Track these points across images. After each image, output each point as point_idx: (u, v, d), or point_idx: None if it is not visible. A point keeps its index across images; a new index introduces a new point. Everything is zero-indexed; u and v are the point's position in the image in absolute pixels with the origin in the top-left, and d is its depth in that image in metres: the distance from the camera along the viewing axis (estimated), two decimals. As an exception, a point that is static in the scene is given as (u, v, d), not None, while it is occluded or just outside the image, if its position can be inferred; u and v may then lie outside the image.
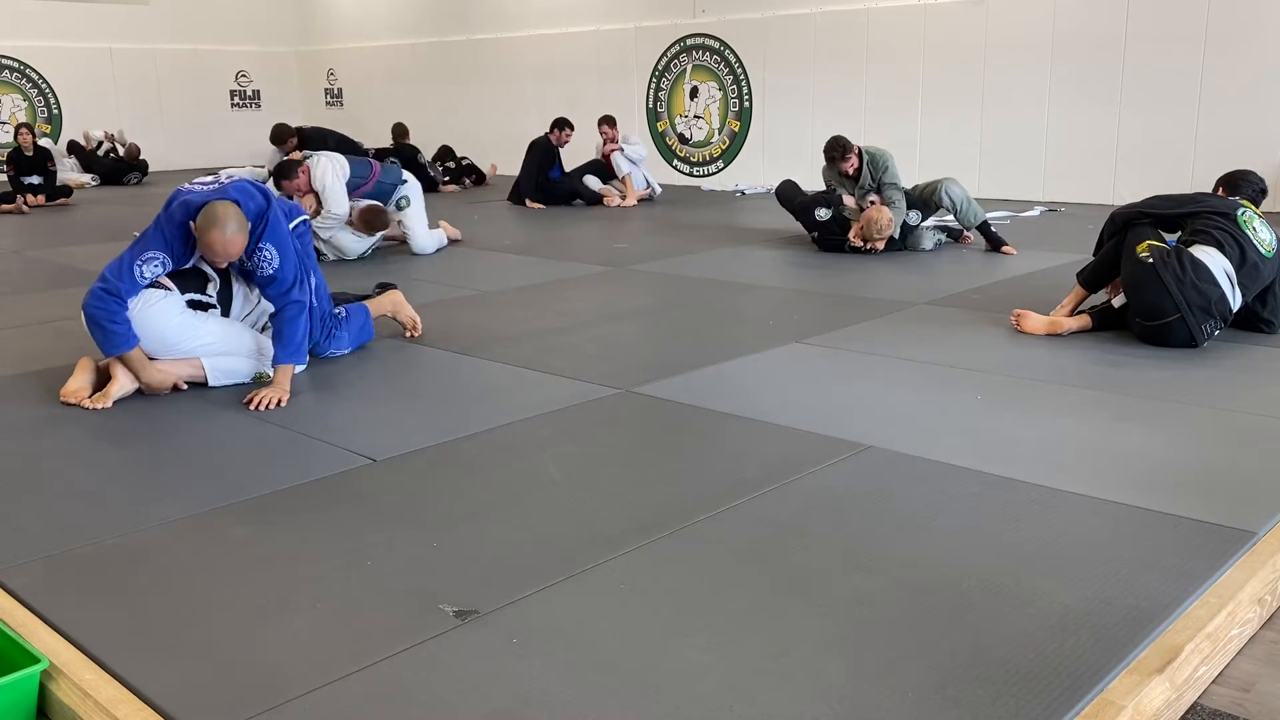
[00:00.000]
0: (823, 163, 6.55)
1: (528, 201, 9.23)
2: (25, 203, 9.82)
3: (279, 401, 3.39)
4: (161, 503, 2.59)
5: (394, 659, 1.84)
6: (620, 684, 1.75)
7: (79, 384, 3.52)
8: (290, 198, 5.72)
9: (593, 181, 9.32)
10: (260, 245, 3.49)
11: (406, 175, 6.67)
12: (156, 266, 3.43)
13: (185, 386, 3.56)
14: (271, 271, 3.51)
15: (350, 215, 6.23)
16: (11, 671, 1.79)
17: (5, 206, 9.73)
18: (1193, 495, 2.50)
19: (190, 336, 3.55)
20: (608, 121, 9.51)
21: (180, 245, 3.46)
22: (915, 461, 2.77)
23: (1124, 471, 2.67)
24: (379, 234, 6.40)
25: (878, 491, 2.58)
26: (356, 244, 6.33)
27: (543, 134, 9.49)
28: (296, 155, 6.48)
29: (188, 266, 3.57)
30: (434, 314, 4.82)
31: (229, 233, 3.34)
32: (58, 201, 10.25)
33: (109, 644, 1.91)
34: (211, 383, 3.61)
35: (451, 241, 6.88)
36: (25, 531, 2.44)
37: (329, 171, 6.08)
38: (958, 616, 1.94)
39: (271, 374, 3.54)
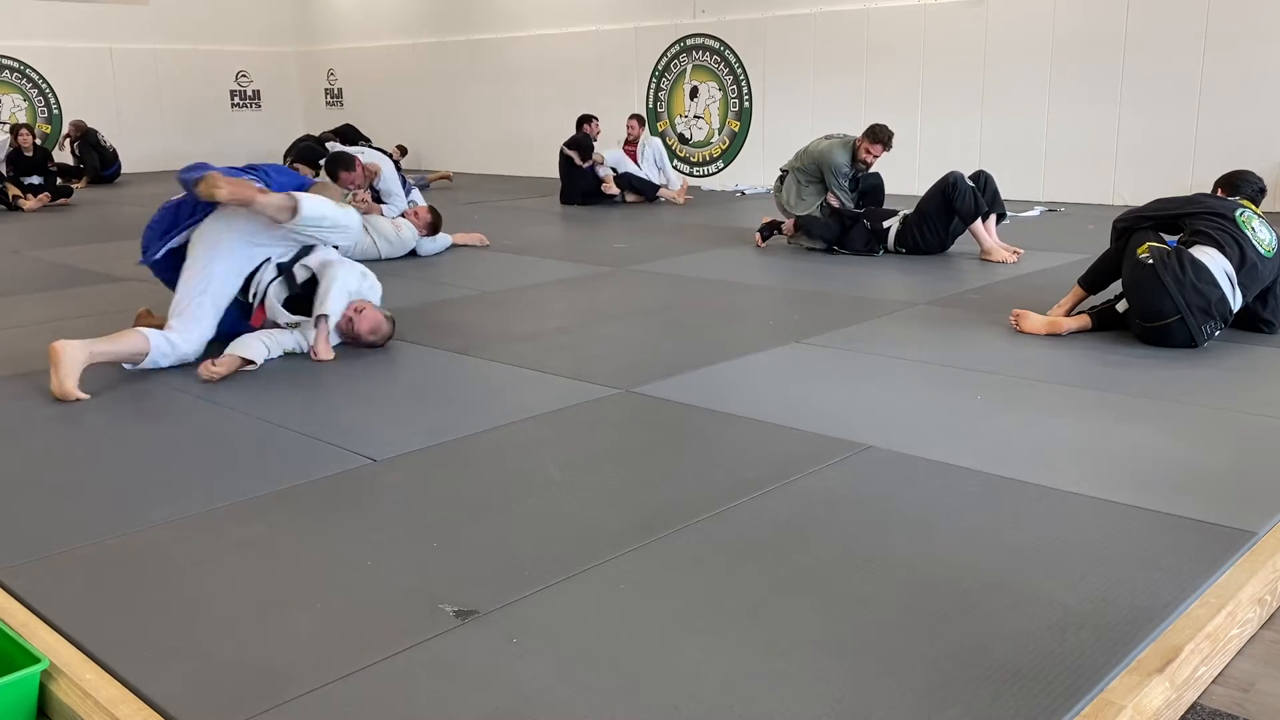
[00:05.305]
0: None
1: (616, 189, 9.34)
2: (25, 202, 9.81)
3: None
4: (161, 503, 2.59)
5: (394, 659, 1.84)
6: (620, 684, 1.75)
7: (70, 384, 3.50)
8: (345, 188, 6.47)
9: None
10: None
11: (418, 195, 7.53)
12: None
13: (255, 199, 3.87)
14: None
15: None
16: (11, 671, 1.80)
17: (9, 194, 9.75)
18: (1193, 495, 2.50)
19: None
20: (636, 119, 9.70)
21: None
22: (915, 461, 2.77)
23: (1124, 471, 2.67)
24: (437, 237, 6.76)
25: (878, 491, 2.58)
26: (410, 234, 6.58)
27: (583, 134, 9.51)
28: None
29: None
30: (434, 314, 4.82)
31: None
32: (58, 201, 10.25)
33: (109, 644, 1.91)
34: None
35: (454, 246, 6.96)
36: (25, 531, 2.45)
37: (393, 177, 7.05)
38: (958, 616, 1.94)
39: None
